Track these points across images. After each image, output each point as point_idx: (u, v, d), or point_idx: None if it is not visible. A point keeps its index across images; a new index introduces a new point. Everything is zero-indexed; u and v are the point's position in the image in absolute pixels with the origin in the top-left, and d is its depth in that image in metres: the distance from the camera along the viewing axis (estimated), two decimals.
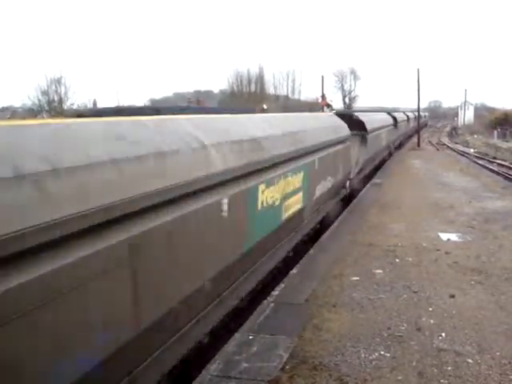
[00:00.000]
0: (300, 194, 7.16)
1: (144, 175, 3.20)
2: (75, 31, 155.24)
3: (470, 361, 4.56)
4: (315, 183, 8.17)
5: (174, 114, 5.71)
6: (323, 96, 45.06)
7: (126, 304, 2.95)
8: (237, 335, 5.01)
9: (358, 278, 6.78)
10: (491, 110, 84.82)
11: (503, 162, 25.97)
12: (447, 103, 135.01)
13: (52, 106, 53.62)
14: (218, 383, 4.14)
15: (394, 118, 27.43)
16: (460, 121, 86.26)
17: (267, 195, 5.60)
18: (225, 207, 4.26)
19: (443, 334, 5.09)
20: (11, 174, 2.31)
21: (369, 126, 14.84)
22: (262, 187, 5.43)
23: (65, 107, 55.00)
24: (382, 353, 4.71)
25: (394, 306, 5.82)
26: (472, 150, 35.34)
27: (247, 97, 70.74)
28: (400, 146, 32.76)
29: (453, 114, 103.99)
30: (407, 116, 40.77)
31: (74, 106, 57.94)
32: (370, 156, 15.81)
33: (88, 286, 2.61)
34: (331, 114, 13.24)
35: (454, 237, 9.08)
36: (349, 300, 6.02)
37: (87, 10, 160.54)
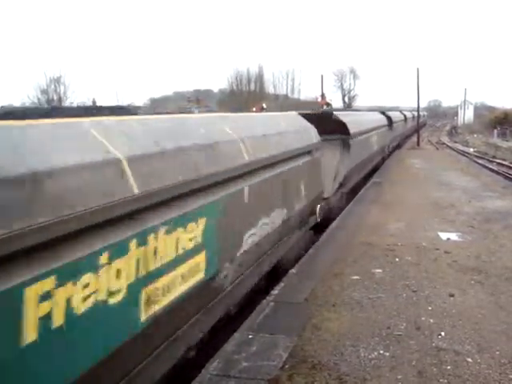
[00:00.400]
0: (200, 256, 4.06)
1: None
2: (75, 30, 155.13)
3: (469, 360, 4.56)
4: (243, 227, 5.09)
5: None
6: (323, 95, 45.08)
7: None
8: (236, 334, 5.01)
9: (357, 278, 6.78)
10: (491, 109, 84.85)
11: (503, 162, 25.97)
12: (447, 102, 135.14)
13: (51, 106, 53.59)
14: (217, 382, 4.14)
15: (389, 118, 24.89)
16: (460, 120, 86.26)
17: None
18: None
19: (443, 334, 5.09)
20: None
21: (353, 129, 11.92)
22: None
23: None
24: (382, 352, 4.71)
25: (394, 306, 5.82)
26: (472, 150, 35.35)
27: (247, 96, 70.73)
28: (396, 148, 30.10)
29: (452, 113, 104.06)
30: (404, 115, 38.30)
31: (74, 105, 58.00)
32: (355, 165, 12.74)
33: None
34: (295, 114, 9.03)
35: (453, 236, 9.08)
36: (348, 299, 6.02)
37: (87, 9, 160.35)
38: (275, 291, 6.24)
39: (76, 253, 2.58)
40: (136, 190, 3.08)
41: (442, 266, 7.35)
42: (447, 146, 40.20)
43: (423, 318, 5.47)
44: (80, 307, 2.63)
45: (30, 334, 2.30)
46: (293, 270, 7.08)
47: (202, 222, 4.01)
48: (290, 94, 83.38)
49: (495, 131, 54.69)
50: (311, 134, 8.32)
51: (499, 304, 5.88)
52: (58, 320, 2.46)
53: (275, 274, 6.70)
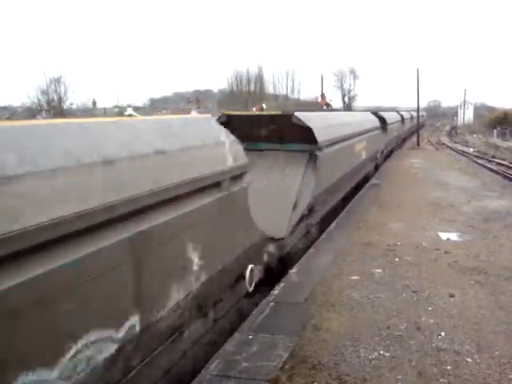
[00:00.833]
0: None
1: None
2: (75, 31, 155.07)
3: (469, 360, 4.56)
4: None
5: None
6: (323, 95, 45.10)
7: None
8: (236, 335, 5.01)
9: (357, 278, 6.78)
10: (491, 109, 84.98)
11: (502, 162, 26.01)
12: (447, 102, 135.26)
13: (51, 106, 53.61)
14: (217, 382, 4.14)
15: (383, 120, 21.60)
16: (459, 120, 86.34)
17: None
18: None
19: (443, 334, 5.09)
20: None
21: (323, 136, 8.49)
22: None
23: (64, 107, 55.04)
24: (382, 352, 4.71)
25: (394, 306, 5.82)
26: (471, 150, 35.39)
27: (246, 96, 70.73)
28: (391, 153, 27.15)
29: (452, 113, 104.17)
30: (401, 116, 34.86)
31: (74, 106, 58.01)
32: (327, 187, 9.28)
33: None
34: (203, 118, 5.96)
35: (453, 236, 9.08)
36: (348, 299, 6.02)
37: (87, 10, 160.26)
38: (275, 291, 6.24)
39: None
40: None
41: (442, 266, 7.36)
42: (447, 146, 40.23)
43: (423, 318, 5.47)
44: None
45: None
46: (293, 270, 7.08)
47: None
48: (289, 95, 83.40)
49: (495, 131, 54.77)
50: (231, 151, 4.97)
51: (499, 304, 5.88)
52: None
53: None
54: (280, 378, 4.23)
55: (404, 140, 38.77)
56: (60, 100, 54.82)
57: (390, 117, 25.70)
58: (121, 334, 3.07)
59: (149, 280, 3.35)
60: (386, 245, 8.40)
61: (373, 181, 16.79)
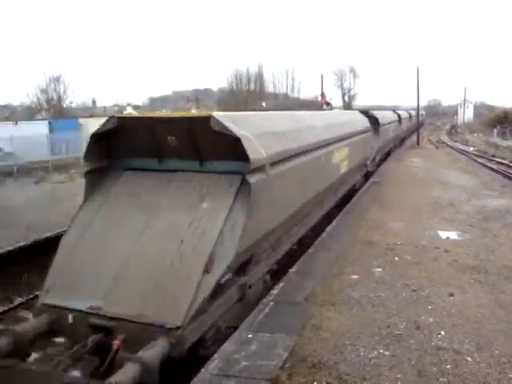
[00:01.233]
0: None
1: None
2: (74, 29, 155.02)
3: (469, 359, 4.57)
4: None
5: None
6: (323, 94, 45.09)
7: None
8: (236, 334, 5.01)
9: (357, 277, 6.78)
10: (491, 108, 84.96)
11: (502, 161, 26.00)
12: (447, 101, 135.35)
13: (51, 105, 53.57)
14: (217, 382, 4.14)
15: (375, 120, 18.36)
16: (459, 119, 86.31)
17: None
18: None
19: (442, 333, 5.10)
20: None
21: (263, 150, 5.58)
22: None
23: (64, 105, 55.00)
24: (381, 351, 4.72)
25: (393, 305, 5.83)
26: (471, 149, 35.36)
27: (246, 95, 70.71)
28: (388, 156, 24.80)
29: (452, 112, 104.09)
30: (398, 116, 31.34)
31: (73, 105, 57.97)
32: (275, 225, 6.26)
33: None
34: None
35: (453, 235, 9.08)
36: (348, 299, 6.03)
37: (87, 9, 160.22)
38: (275, 291, 6.24)
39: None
40: None
41: (442, 265, 7.36)
42: (447, 144, 40.22)
43: (423, 317, 5.47)
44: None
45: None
46: (293, 270, 7.08)
47: None
48: (289, 94, 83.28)
49: (495, 130, 54.74)
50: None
51: (498, 303, 5.88)
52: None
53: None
54: (280, 377, 4.23)
55: (402, 141, 36.38)
56: (59, 99, 54.77)
57: (384, 116, 22.54)
58: None
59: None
60: (385, 244, 8.41)
61: (373, 179, 16.79)
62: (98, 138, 5.56)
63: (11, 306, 8.52)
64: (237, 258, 4.99)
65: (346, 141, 11.02)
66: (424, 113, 74.86)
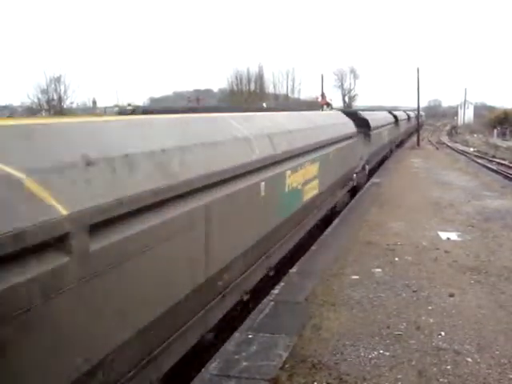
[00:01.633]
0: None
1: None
2: (75, 30, 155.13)
3: (469, 360, 4.57)
4: None
5: None
6: (323, 95, 45.09)
7: None
8: (236, 334, 5.01)
9: (357, 277, 6.78)
10: (491, 109, 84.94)
11: (502, 161, 25.99)
12: (447, 102, 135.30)
13: (51, 105, 53.62)
14: (217, 382, 4.14)
15: (365, 123, 15.67)
16: (460, 120, 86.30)
17: None
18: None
19: (442, 333, 5.09)
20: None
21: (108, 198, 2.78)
22: None
23: (64, 106, 55.06)
24: (382, 352, 4.71)
25: (394, 305, 5.82)
26: (471, 149, 35.36)
27: (247, 96, 70.74)
28: (382, 163, 21.86)
29: (452, 113, 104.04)
30: (395, 117, 28.36)
31: (74, 105, 58.03)
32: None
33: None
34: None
35: (453, 236, 9.08)
36: (348, 299, 6.02)
37: (87, 9, 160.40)
38: (275, 291, 6.24)
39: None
40: None
41: (442, 265, 7.36)
42: (447, 145, 40.19)
43: (423, 318, 5.47)
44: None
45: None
46: (293, 270, 7.08)
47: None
48: (290, 94, 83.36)
49: (495, 131, 54.74)
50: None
51: (499, 303, 5.88)
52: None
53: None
54: (280, 377, 4.23)
55: (400, 144, 33.27)
56: (60, 99, 54.86)
57: (377, 118, 19.31)
58: None
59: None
60: (386, 244, 8.41)
61: (374, 179, 16.79)
62: None
63: None
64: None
65: (316, 154, 8.08)
66: (423, 114, 73.27)
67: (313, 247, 8.22)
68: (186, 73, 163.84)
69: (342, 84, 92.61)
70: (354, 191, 13.70)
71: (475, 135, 55.58)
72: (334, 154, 9.65)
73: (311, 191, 7.95)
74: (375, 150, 17.96)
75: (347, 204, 12.17)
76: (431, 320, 5.42)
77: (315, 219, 8.98)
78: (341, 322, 5.35)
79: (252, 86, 75.95)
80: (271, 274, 6.41)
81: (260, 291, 6.00)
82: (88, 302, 2.59)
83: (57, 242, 2.40)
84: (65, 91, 55.21)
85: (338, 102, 79.06)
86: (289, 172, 6.52)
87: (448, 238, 8.89)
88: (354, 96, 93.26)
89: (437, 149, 34.84)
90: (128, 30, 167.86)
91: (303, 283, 6.54)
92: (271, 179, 5.74)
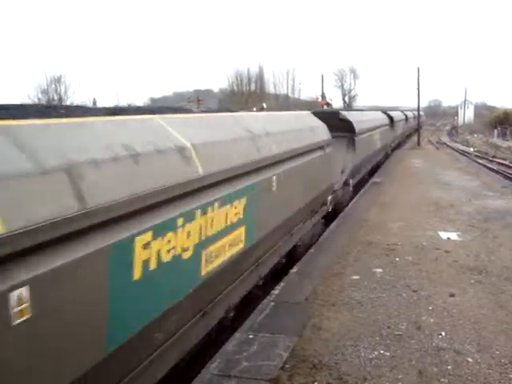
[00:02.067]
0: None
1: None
2: (75, 30, 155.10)
3: (469, 360, 4.57)
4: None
5: None
6: (323, 95, 45.12)
7: None
8: (237, 334, 5.01)
9: (357, 277, 6.78)
10: (491, 108, 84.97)
11: (503, 161, 25.98)
12: (447, 102, 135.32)
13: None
14: (218, 382, 4.15)
15: (347, 127, 12.59)
16: (460, 120, 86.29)
17: None
18: None
19: (443, 333, 5.09)
20: None
21: None
22: None
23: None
24: (382, 352, 4.71)
25: (394, 305, 5.82)
26: (472, 149, 35.35)
27: (247, 96, 70.77)
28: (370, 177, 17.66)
29: (453, 112, 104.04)
30: (390, 118, 25.00)
31: (74, 105, 58.06)
32: None
33: None
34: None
35: (453, 236, 9.08)
36: (349, 299, 6.02)
37: (87, 9, 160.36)
38: (276, 291, 6.25)
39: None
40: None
41: (443, 265, 7.36)
42: (447, 145, 40.18)
43: (423, 318, 5.47)
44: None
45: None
46: (293, 270, 7.08)
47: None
48: (290, 94, 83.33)
49: (495, 131, 54.71)
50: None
51: (499, 303, 5.88)
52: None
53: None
54: (280, 377, 4.23)
55: (396, 148, 29.51)
56: (60, 99, 54.88)
57: (365, 120, 15.92)
58: None
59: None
60: (386, 244, 8.41)
61: (374, 179, 16.79)
62: None
63: None
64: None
65: (241, 184, 4.99)
66: (422, 114, 71.47)
67: (312, 249, 8.21)
68: (186, 73, 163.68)
69: (342, 84, 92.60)
70: (334, 214, 10.61)
71: (475, 135, 55.59)
72: (288, 175, 6.47)
73: (227, 251, 4.68)
74: (363, 158, 14.54)
75: (320, 234, 9.29)
76: (432, 320, 5.42)
77: (240, 293, 5.28)
78: (341, 322, 5.35)
79: (252, 86, 75.96)
80: None
81: None
82: None
83: None
84: (65, 91, 55.27)
85: (338, 102, 79.09)
86: (146, 237, 3.24)
87: (448, 238, 8.89)
88: (354, 96, 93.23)
89: (437, 149, 34.85)
90: (128, 30, 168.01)
91: (303, 283, 6.55)
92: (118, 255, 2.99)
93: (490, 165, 23.87)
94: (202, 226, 4.02)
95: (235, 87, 75.28)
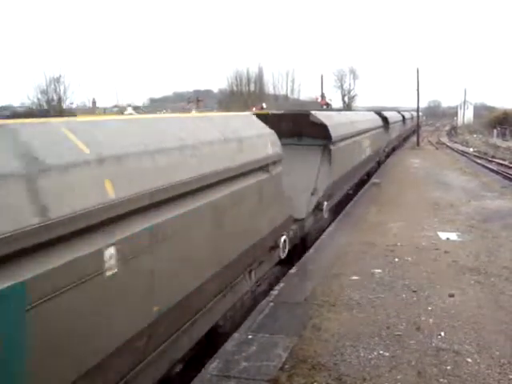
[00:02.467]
0: None
1: None
2: (75, 30, 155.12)
3: (469, 360, 4.56)
4: None
5: None
6: (322, 95, 45.16)
7: None
8: (236, 335, 5.01)
9: (357, 278, 6.78)
10: (491, 109, 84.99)
11: (502, 162, 25.98)
12: (446, 102, 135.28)
13: (51, 106, 53.62)
14: (217, 382, 4.14)
15: (323, 133, 9.13)
16: (459, 120, 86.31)
17: None
18: None
19: (442, 334, 5.09)
20: None
21: None
22: None
23: (64, 106, 55.06)
24: (381, 352, 4.71)
25: (394, 306, 5.82)
26: (471, 150, 35.34)
27: (246, 96, 70.80)
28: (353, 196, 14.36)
29: (452, 113, 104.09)
30: (385, 120, 22.42)
31: (74, 105, 58.04)
32: None
33: None
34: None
35: (453, 236, 9.08)
36: (348, 299, 6.02)
37: (87, 9, 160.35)
38: (275, 291, 6.24)
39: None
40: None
41: (442, 266, 7.35)
42: (447, 146, 40.18)
43: (423, 318, 5.47)
44: None
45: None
46: (292, 270, 7.08)
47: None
48: (289, 95, 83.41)
49: (495, 131, 54.71)
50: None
51: (499, 304, 5.88)
52: None
53: None
54: (280, 377, 4.23)
55: (391, 152, 27.13)
56: (60, 100, 54.89)
57: (347, 122, 12.26)
58: None
59: None
60: (385, 245, 8.40)
61: (373, 180, 16.79)
62: None
63: None
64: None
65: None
66: (421, 114, 67.30)
67: (312, 249, 8.22)
68: (185, 73, 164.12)
69: (341, 84, 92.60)
70: (304, 245, 8.37)
71: (475, 135, 55.59)
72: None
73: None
74: (343, 173, 11.00)
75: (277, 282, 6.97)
76: (431, 320, 5.42)
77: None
78: (341, 323, 5.35)
79: (252, 87, 76.02)
80: None
81: None
82: None
83: None
84: (64, 92, 55.27)
85: (337, 103, 79.13)
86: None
87: (448, 239, 8.89)
88: (354, 96, 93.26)
89: (436, 149, 34.84)
90: (128, 31, 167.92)
91: (303, 283, 6.54)
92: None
93: (489, 165, 23.85)
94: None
95: (235, 88, 75.38)
